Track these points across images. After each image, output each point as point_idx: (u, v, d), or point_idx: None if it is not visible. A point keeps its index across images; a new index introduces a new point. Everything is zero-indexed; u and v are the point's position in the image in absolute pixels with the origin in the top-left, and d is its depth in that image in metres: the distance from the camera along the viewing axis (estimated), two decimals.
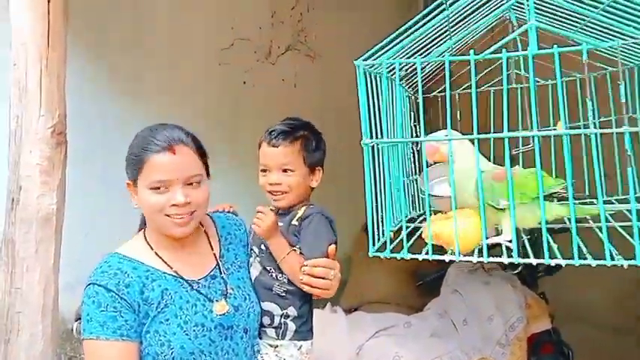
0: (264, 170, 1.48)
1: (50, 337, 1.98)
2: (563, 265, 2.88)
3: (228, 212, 1.62)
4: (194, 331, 1.30)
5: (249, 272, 1.50)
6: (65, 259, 2.12)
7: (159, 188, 1.29)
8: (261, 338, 1.46)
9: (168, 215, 1.30)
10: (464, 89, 1.40)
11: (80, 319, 2.17)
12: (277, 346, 1.45)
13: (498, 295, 2.55)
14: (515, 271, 2.82)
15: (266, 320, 1.45)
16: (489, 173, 0.99)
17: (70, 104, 2.02)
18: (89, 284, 1.30)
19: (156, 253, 1.36)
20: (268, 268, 1.47)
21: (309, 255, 1.40)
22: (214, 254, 1.45)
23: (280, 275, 1.46)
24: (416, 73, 1.02)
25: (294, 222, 1.46)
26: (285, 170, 1.45)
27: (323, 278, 1.37)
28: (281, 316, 1.45)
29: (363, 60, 1.04)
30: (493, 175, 1.00)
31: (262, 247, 1.50)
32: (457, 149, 1.00)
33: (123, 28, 2.95)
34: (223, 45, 3.27)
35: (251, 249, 1.54)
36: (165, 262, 1.36)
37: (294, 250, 1.44)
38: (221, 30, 3.25)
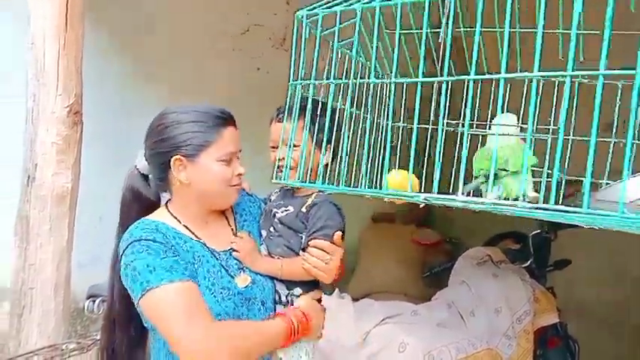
0: (273, 147, 1.52)
1: (62, 313, 2.02)
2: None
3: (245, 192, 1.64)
4: (221, 293, 1.34)
5: (261, 248, 1.53)
6: (78, 240, 2.15)
7: (229, 160, 1.35)
8: None
9: (231, 186, 1.37)
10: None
11: (92, 297, 2.22)
12: None
13: (506, 287, 2.54)
14: (525, 265, 2.82)
15: (275, 297, 1.49)
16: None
17: (86, 85, 2.04)
18: (132, 242, 1.29)
19: (184, 226, 1.39)
20: (273, 254, 1.50)
21: (316, 237, 1.43)
22: (232, 229, 1.48)
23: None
24: None
25: (303, 209, 1.48)
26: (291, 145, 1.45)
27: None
28: (287, 295, 1.49)
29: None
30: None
31: (271, 229, 1.52)
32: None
33: (141, 10, 2.96)
34: (238, 30, 3.27)
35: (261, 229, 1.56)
36: (193, 233, 1.40)
37: (281, 260, 1.47)
38: (236, 15, 3.25)
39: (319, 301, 1.53)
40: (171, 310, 1.22)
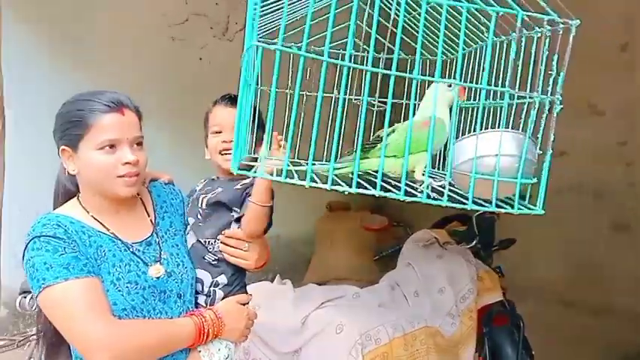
0: (217, 132, 1.50)
1: None
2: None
3: (167, 183, 1.61)
4: (127, 287, 1.30)
5: (185, 239, 1.51)
6: (11, 234, 2.08)
7: (110, 147, 1.29)
8: (196, 306, 1.47)
9: (119, 176, 1.30)
10: None
11: (25, 292, 2.16)
12: None
13: (451, 267, 2.58)
14: (470, 245, 2.86)
15: (198, 287, 1.47)
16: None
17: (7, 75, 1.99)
18: (32, 239, 1.25)
19: (93, 217, 1.35)
20: (201, 239, 1.48)
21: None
22: (151, 220, 1.46)
23: (212, 245, 1.47)
24: None
25: (238, 186, 1.48)
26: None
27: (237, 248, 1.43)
28: (210, 285, 1.47)
29: None
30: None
31: (198, 216, 1.50)
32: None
33: None
34: (177, 20, 3.22)
35: (187, 219, 1.54)
36: (103, 225, 1.35)
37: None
38: (174, 4, 3.20)
39: (246, 304, 1.50)
40: (68, 307, 1.20)
